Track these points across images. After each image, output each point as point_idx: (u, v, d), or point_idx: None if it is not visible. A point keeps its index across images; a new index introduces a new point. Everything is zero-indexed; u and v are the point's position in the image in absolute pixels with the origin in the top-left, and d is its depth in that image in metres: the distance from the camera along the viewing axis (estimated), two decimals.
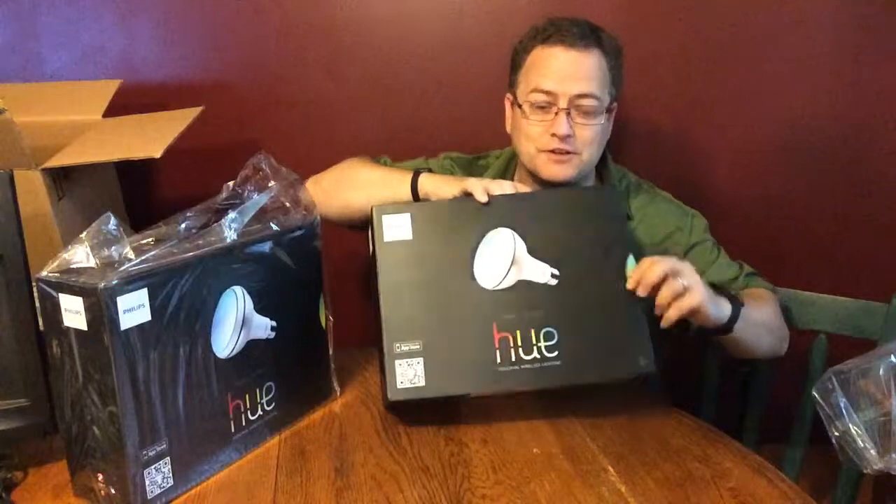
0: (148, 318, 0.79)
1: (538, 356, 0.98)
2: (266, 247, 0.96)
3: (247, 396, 0.95)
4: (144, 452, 0.81)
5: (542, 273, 1.01)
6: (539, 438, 0.98)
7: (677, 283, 0.93)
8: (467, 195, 1.02)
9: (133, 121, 1.29)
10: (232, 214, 0.92)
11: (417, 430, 1.01)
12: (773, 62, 1.52)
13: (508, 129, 1.21)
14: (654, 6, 1.48)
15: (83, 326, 0.76)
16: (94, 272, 0.78)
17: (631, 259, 0.99)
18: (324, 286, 1.08)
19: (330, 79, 1.52)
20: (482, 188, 1.01)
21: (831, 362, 0.97)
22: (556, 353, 0.98)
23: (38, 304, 0.81)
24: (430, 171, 1.17)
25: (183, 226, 0.89)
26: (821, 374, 0.92)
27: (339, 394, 1.12)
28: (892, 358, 0.88)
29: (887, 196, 1.58)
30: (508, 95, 1.20)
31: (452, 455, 0.94)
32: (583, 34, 1.09)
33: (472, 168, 1.28)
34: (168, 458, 0.84)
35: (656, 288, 0.93)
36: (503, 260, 1.01)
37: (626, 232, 1.05)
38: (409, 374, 1.00)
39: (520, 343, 0.99)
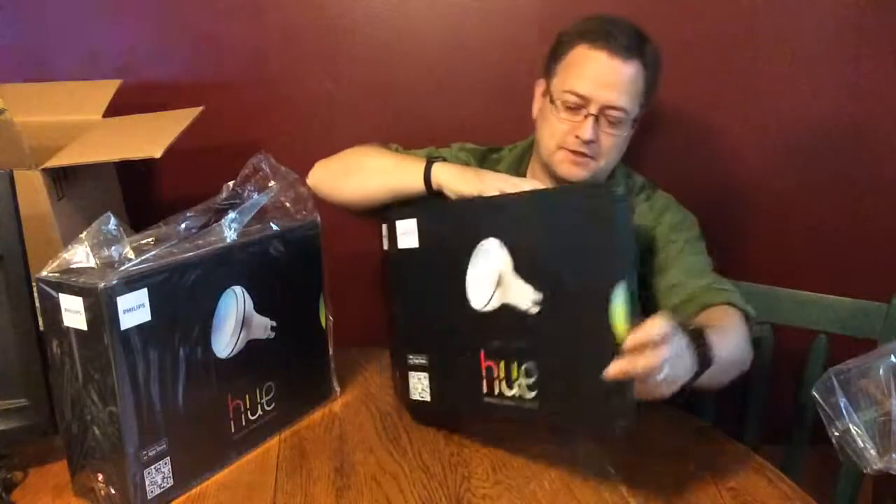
0: (148, 318, 0.79)
1: (517, 394, 0.89)
2: (266, 247, 0.96)
3: (247, 396, 0.95)
4: (144, 452, 0.81)
5: (524, 297, 0.88)
6: (539, 438, 0.98)
7: (662, 374, 0.78)
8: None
9: (133, 121, 1.29)
10: (232, 214, 0.92)
11: (417, 430, 1.01)
12: (773, 62, 1.52)
13: (535, 114, 1.19)
14: (654, 6, 1.47)
15: (83, 326, 0.76)
16: (94, 272, 0.78)
17: (621, 292, 0.79)
18: (324, 286, 1.08)
19: (330, 79, 1.52)
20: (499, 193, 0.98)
21: (831, 362, 0.97)
22: (534, 395, 0.87)
23: (38, 304, 0.81)
24: (442, 159, 1.14)
25: (183, 226, 0.89)
26: (821, 374, 0.92)
27: (339, 394, 1.12)
28: (892, 358, 0.88)
29: (887, 196, 1.58)
30: (541, 81, 1.18)
31: (452, 455, 0.94)
32: (628, 44, 1.07)
33: (486, 160, 1.27)
34: (168, 458, 0.84)
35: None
36: (489, 278, 0.91)
37: (627, 252, 0.84)
38: (418, 388, 1.01)
39: (503, 375, 0.90)
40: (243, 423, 0.95)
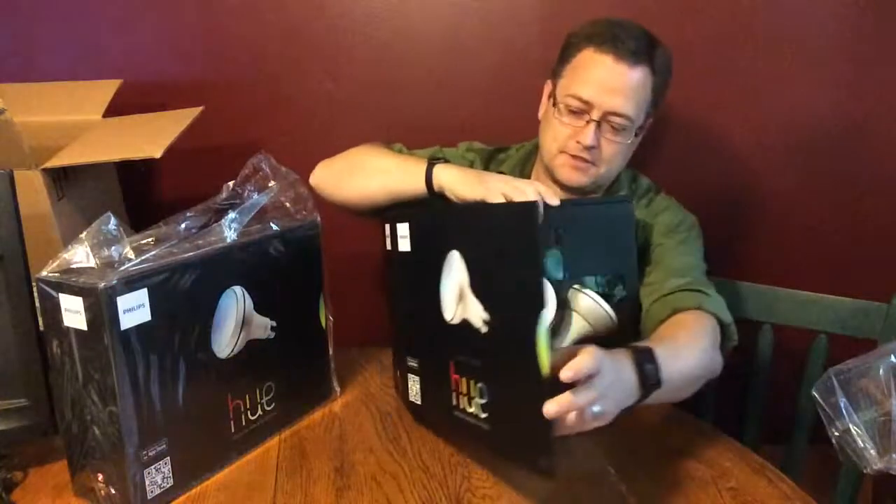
0: (148, 318, 0.79)
1: (475, 412, 0.87)
2: (266, 247, 0.96)
3: (247, 396, 0.95)
4: (144, 452, 0.81)
5: (476, 315, 0.85)
6: None
7: (592, 409, 0.76)
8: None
9: (133, 121, 1.29)
10: (232, 214, 0.92)
11: (417, 430, 1.01)
12: (774, 62, 1.52)
13: (540, 115, 1.18)
14: (654, 6, 1.48)
15: (83, 326, 0.76)
16: (94, 272, 0.78)
17: (544, 322, 0.75)
18: (324, 286, 1.08)
19: (330, 79, 1.52)
20: (503, 199, 0.95)
21: (831, 362, 0.97)
22: (486, 416, 0.85)
23: (38, 304, 0.81)
24: (445, 160, 1.12)
25: (183, 226, 0.89)
26: (821, 374, 0.92)
27: (339, 394, 1.12)
28: (892, 358, 0.88)
29: (887, 196, 1.58)
30: (549, 83, 1.17)
31: (452, 455, 0.94)
32: (636, 49, 1.05)
33: (492, 160, 1.26)
34: (168, 458, 0.84)
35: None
36: (454, 291, 0.89)
37: (552, 280, 0.84)
38: (413, 390, 1.02)
39: (465, 391, 0.88)
40: (243, 423, 0.95)
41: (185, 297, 0.84)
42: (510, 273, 0.80)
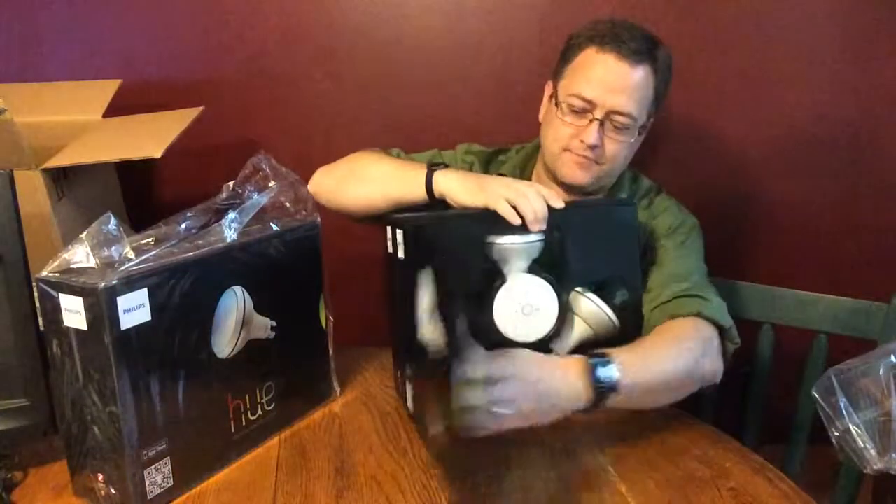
0: (148, 318, 0.79)
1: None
2: (266, 247, 0.96)
3: (247, 396, 0.95)
4: (144, 452, 0.81)
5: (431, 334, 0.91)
6: (539, 438, 0.98)
7: (497, 410, 0.84)
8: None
9: (133, 121, 1.29)
10: (232, 214, 0.92)
11: (417, 429, 1.01)
12: (774, 63, 1.52)
13: (541, 117, 1.18)
14: (654, 6, 1.48)
15: (83, 326, 0.76)
16: (95, 272, 0.78)
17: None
18: (324, 286, 1.08)
19: (330, 79, 1.52)
20: (511, 210, 0.95)
21: (831, 362, 0.97)
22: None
23: (38, 304, 0.81)
24: (444, 165, 1.11)
25: (183, 226, 0.89)
26: (821, 374, 0.92)
27: (339, 394, 1.12)
28: (892, 358, 0.88)
29: (887, 196, 1.58)
30: (549, 84, 1.17)
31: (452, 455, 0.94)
32: (638, 48, 1.06)
33: (492, 162, 1.25)
34: (168, 458, 0.84)
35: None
36: (422, 303, 0.92)
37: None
38: (408, 395, 1.03)
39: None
40: (243, 423, 0.95)
41: (185, 298, 0.84)
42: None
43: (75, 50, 1.48)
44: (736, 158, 1.57)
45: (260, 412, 0.97)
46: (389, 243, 1.04)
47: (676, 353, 0.96)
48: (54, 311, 0.78)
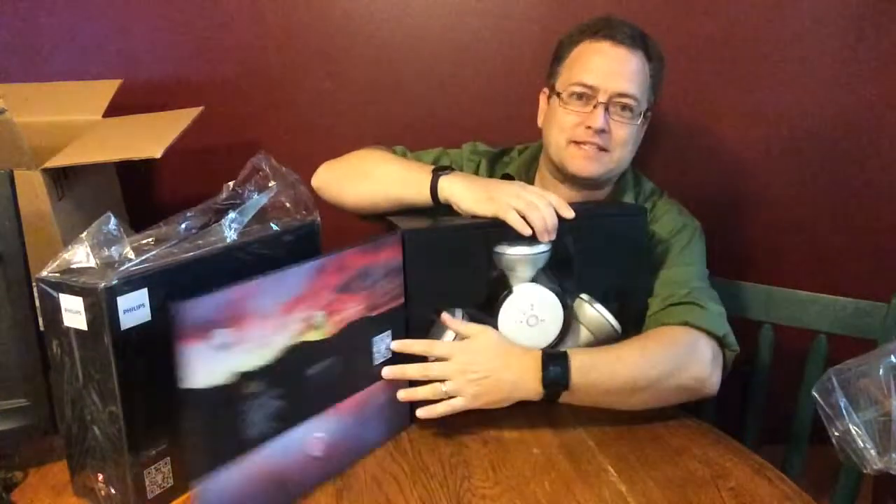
0: (148, 318, 0.79)
1: None
2: (266, 247, 0.96)
3: None
4: (144, 452, 0.81)
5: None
6: (539, 438, 0.98)
7: (439, 388, 0.95)
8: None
9: (133, 121, 1.29)
10: (232, 214, 0.91)
11: (417, 429, 1.01)
12: (773, 63, 1.52)
13: (540, 122, 1.18)
14: (654, 6, 1.48)
15: (83, 326, 0.76)
16: (95, 272, 0.78)
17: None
18: None
19: (330, 79, 1.52)
20: (521, 221, 0.96)
21: (831, 362, 0.97)
22: None
23: (38, 304, 0.81)
24: (450, 168, 1.10)
25: (183, 226, 0.89)
26: (821, 374, 0.92)
27: None
28: (892, 358, 0.88)
29: (887, 196, 1.58)
30: (544, 90, 1.17)
31: (452, 455, 0.94)
32: (632, 35, 1.08)
33: (497, 162, 1.25)
34: (168, 458, 0.84)
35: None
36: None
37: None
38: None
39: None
40: None
41: (185, 298, 0.84)
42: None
43: (75, 50, 1.48)
44: (735, 159, 1.58)
45: None
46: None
47: (640, 359, 0.97)
48: (54, 311, 0.78)
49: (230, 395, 0.76)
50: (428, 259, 0.97)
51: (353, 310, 0.90)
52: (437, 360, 0.96)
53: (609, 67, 1.07)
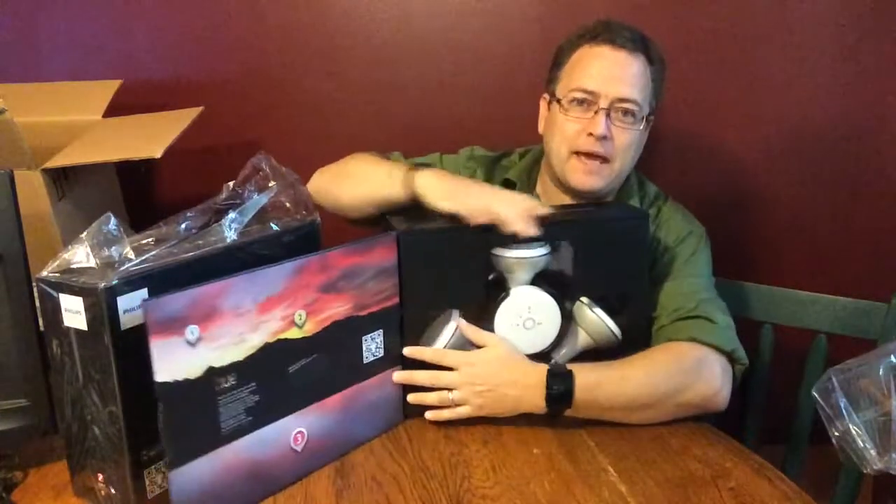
0: None
1: None
2: (266, 247, 0.96)
3: None
4: (144, 452, 0.81)
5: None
6: (539, 438, 0.98)
7: (446, 396, 0.98)
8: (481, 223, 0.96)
9: (133, 121, 1.29)
10: (232, 214, 0.91)
11: (417, 430, 1.01)
12: (773, 63, 1.52)
13: (541, 129, 1.17)
14: (653, 7, 1.48)
15: (83, 326, 0.76)
16: (95, 272, 0.78)
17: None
18: None
19: (330, 79, 1.52)
20: (482, 220, 0.96)
21: (831, 362, 0.97)
22: None
23: (38, 304, 0.81)
24: (439, 166, 1.08)
25: (183, 226, 0.89)
26: (821, 374, 0.92)
27: None
28: (892, 358, 0.88)
29: (887, 196, 1.58)
30: (545, 95, 1.16)
31: (452, 455, 0.94)
32: (632, 38, 1.07)
33: (494, 168, 1.23)
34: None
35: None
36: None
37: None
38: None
39: None
40: None
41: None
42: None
43: (75, 50, 1.48)
44: (736, 159, 1.58)
45: None
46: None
47: (645, 377, 0.98)
48: (54, 311, 0.78)
49: (203, 389, 0.77)
50: (422, 261, 0.97)
51: (338, 309, 0.91)
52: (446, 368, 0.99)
53: (609, 72, 1.06)
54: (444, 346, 1.00)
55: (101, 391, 0.78)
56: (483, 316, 1.01)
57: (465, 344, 1.01)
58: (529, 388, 0.96)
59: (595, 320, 1.00)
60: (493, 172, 1.23)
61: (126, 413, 0.78)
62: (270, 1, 1.48)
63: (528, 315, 0.99)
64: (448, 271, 0.99)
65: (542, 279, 1.02)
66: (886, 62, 1.52)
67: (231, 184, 0.96)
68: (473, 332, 0.99)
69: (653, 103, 1.11)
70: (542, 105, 1.18)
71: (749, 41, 1.51)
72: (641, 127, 1.09)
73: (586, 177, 1.08)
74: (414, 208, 1.07)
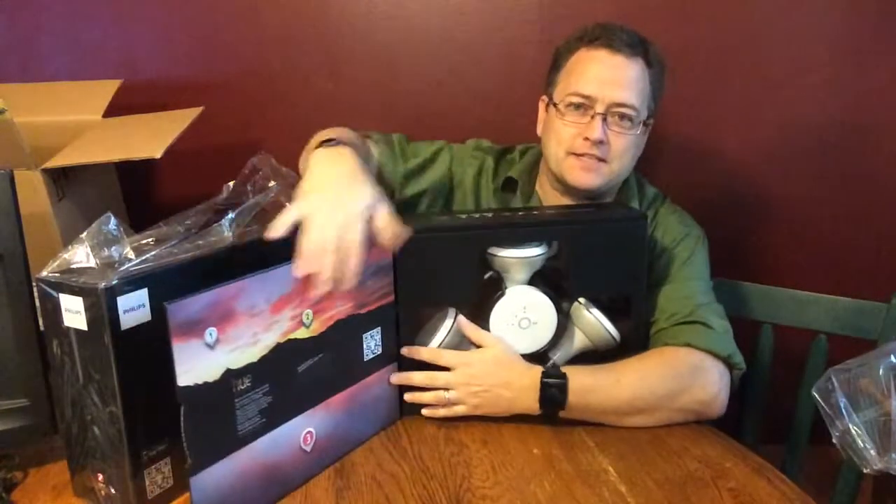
0: (148, 318, 0.79)
1: None
2: (266, 247, 0.96)
3: None
4: (144, 452, 0.81)
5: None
6: (539, 438, 0.98)
7: (442, 395, 1.00)
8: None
9: (133, 121, 1.29)
10: (232, 214, 0.91)
11: (417, 430, 1.01)
12: (773, 64, 1.52)
13: (539, 131, 1.16)
14: (653, 7, 1.48)
15: (83, 326, 0.76)
16: (95, 272, 0.78)
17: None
18: None
19: (330, 79, 1.52)
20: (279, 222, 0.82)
21: (831, 362, 0.97)
22: None
23: (38, 304, 0.81)
24: (337, 141, 0.94)
25: (183, 226, 0.89)
26: (821, 374, 0.92)
27: None
28: (892, 358, 0.88)
29: (887, 196, 1.58)
30: (543, 97, 1.16)
31: (452, 455, 0.94)
32: (631, 41, 1.06)
33: (502, 161, 1.22)
34: (168, 458, 0.84)
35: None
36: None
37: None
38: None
39: None
40: None
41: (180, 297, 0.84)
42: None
43: (75, 50, 1.48)
44: (736, 159, 1.58)
45: None
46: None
47: (639, 382, 0.98)
48: (54, 311, 0.78)
49: (221, 392, 0.77)
50: (417, 259, 0.97)
51: (341, 308, 0.91)
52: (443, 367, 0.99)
53: (606, 76, 1.05)
54: (440, 345, 1.00)
55: (101, 391, 0.78)
56: (478, 315, 1.01)
57: (460, 342, 1.01)
58: (524, 390, 0.97)
59: (592, 321, 1.00)
60: (500, 165, 1.22)
61: (126, 413, 0.78)
62: (270, 1, 1.48)
63: (523, 315, 1.00)
64: (443, 270, 0.99)
65: (540, 279, 1.02)
66: (886, 62, 1.51)
67: (231, 184, 0.96)
68: (473, 331, 1.00)
69: (651, 106, 1.10)
70: (541, 107, 1.17)
71: (749, 41, 1.51)
72: (639, 131, 1.08)
73: (584, 174, 1.08)
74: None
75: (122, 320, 0.77)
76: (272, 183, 0.98)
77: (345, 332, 0.92)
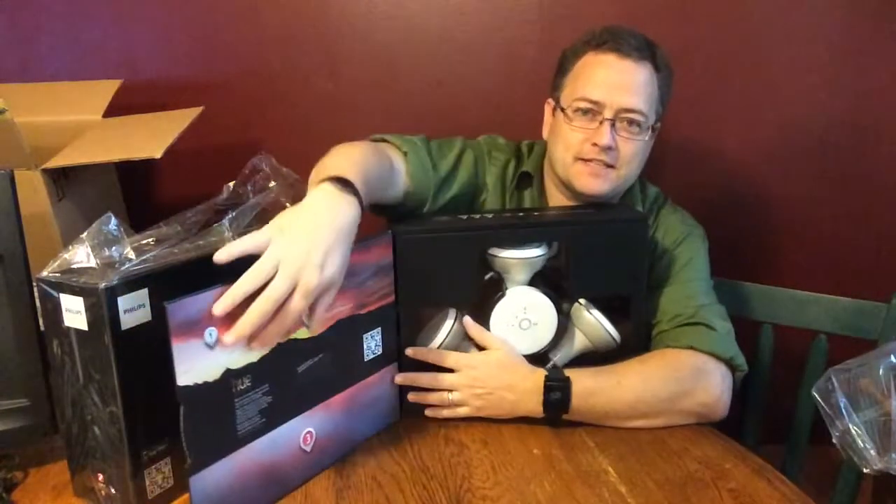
0: (148, 318, 0.79)
1: None
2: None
3: None
4: (145, 452, 0.81)
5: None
6: (539, 439, 0.98)
7: (446, 396, 1.00)
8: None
9: (133, 121, 1.29)
10: (232, 214, 0.91)
11: (418, 430, 1.01)
12: (773, 64, 1.52)
13: (545, 134, 1.15)
14: (654, 8, 1.48)
15: (83, 326, 0.76)
16: (95, 272, 0.78)
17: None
18: None
19: (330, 79, 1.52)
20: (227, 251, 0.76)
21: (831, 362, 0.97)
22: None
23: (38, 304, 0.81)
24: (341, 178, 0.87)
25: (183, 226, 0.89)
26: (821, 374, 0.92)
27: None
28: (892, 358, 0.88)
29: (887, 196, 1.58)
30: (549, 101, 1.15)
31: (452, 455, 0.94)
32: (639, 46, 1.05)
33: (519, 158, 1.19)
34: (168, 458, 0.84)
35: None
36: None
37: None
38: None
39: None
40: None
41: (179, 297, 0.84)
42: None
43: (75, 50, 1.48)
44: (736, 159, 1.58)
45: None
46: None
47: (642, 384, 0.98)
48: (54, 311, 0.78)
49: (221, 392, 0.77)
50: (418, 260, 0.98)
51: (341, 308, 0.91)
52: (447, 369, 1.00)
53: (615, 81, 1.04)
54: (440, 345, 1.00)
55: (101, 391, 0.78)
56: (479, 315, 1.01)
57: (460, 343, 1.01)
58: (527, 394, 0.97)
59: (592, 322, 1.00)
60: (519, 162, 1.18)
61: (126, 413, 0.78)
62: (270, 1, 1.48)
63: (523, 315, 1.00)
64: (444, 271, 0.99)
65: (540, 280, 1.02)
66: (886, 62, 1.52)
67: (231, 184, 0.96)
68: (478, 332, 1.00)
69: (659, 111, 1.09)
70: (547, 110, 1.16)
71: (749, 41, 1.51)
72: (647, 137, 1.07)
73: (593, 180, 1.07)
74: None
75: (123, 320, 0.77)
76: (272, 183, 0.98)
77: (345, 333, 0.92)
